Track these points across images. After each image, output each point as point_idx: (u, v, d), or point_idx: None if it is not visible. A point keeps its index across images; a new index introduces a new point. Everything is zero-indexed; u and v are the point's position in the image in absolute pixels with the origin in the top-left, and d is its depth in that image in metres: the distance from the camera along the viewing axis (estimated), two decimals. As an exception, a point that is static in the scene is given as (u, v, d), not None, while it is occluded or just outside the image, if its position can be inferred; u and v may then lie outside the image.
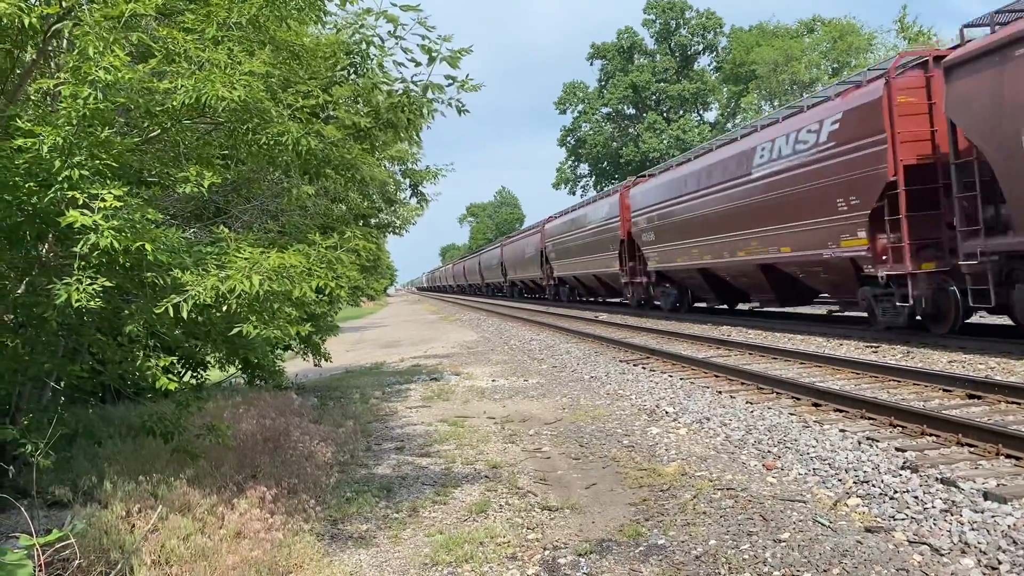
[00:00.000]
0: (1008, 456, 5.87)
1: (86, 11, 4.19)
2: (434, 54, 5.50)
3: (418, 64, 5.70)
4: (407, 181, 14.84)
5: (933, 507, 5.05)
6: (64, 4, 4.41)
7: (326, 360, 12.72)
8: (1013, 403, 7.66)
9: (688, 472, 6.47)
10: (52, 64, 5.04)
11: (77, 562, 3.99)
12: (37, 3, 4.39)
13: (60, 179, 4.00)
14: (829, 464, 6.25)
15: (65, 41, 4.79)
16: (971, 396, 8.19)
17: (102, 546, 4.32)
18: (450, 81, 5.69)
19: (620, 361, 14.20)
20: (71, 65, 4.12)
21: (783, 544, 4.69)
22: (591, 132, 70.30)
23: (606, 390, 11.30)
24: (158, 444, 6.02)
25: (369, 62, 5.87)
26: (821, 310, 20.12)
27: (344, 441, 8.36)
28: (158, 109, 4.44)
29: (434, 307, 57.84)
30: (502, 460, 7.37)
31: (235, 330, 4.65)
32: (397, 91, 6.00)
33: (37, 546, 3.46)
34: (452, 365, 16.38)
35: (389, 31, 5.60)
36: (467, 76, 5.67)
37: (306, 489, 6.17)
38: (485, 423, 9.40)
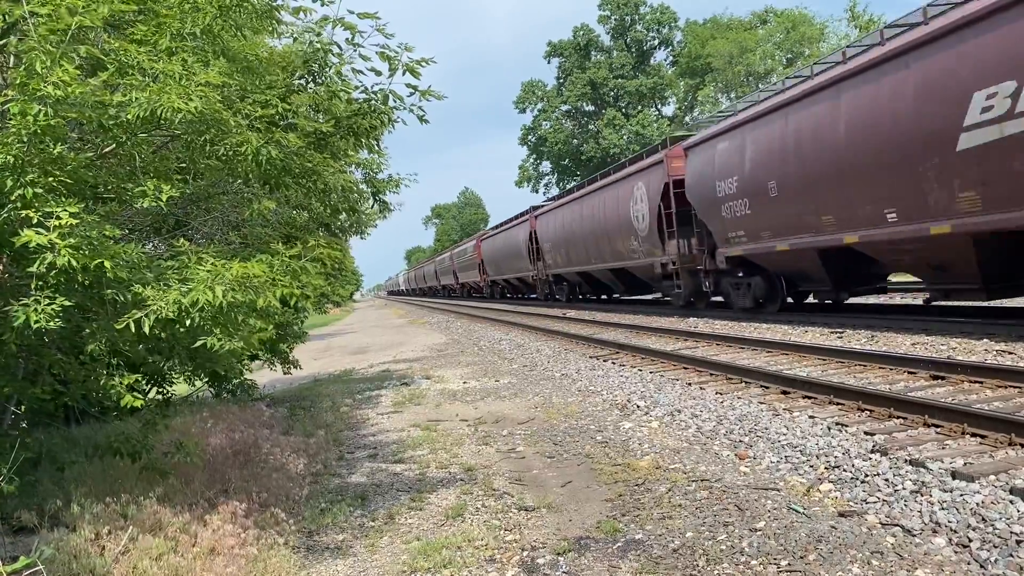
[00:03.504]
0: (974, 435, 5.99)
1: (31, 24, 4.09)
2: (394, 63, 5.44)
3: (379, 74, 5.65)
4: (370, 190, 14.64)
5: (903, 489, 5.13)
6: (7, 19, 4.31)
7: (295, 368, 12.60)
8: (976, 382, 7.82)
9: (662, 465, 6.51)
10: (-1, 80, 4.91)
11: (47, 589, 3.90)
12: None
13: (13, 198, 3.90)
14: (800, 451, 6.32)
15: (12, 57, 4.68)
16: (935, 377, 8.34)
17: (72, 571, 4.23)
18: (411, 90, 5.64)
19: (590, 358, 14.25)
20: (18, 82, 4.02)
21: (759, 533, 4.74)
22: (551, 130, 70.50)
23: (577, 387, 11.33)
24: (125, 463, 5.91)
25: (327, 70, 5.80)
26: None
27: (316, 451, 8.28)
28: (112, 123, 4.35)
29: (401, 311, 57.59)
30: (477, 462, 7.34)
31: (199, 343, 4.58)
32: (357, 99, 5.94)
33: (4, 574, 3.38)
34: (422, 369, 16.30)
35: (347, 39, 5.54)
36: (429, 87, 5.63)
37: (279, 502, 6.09)
38: (458, 426, 9.37)
